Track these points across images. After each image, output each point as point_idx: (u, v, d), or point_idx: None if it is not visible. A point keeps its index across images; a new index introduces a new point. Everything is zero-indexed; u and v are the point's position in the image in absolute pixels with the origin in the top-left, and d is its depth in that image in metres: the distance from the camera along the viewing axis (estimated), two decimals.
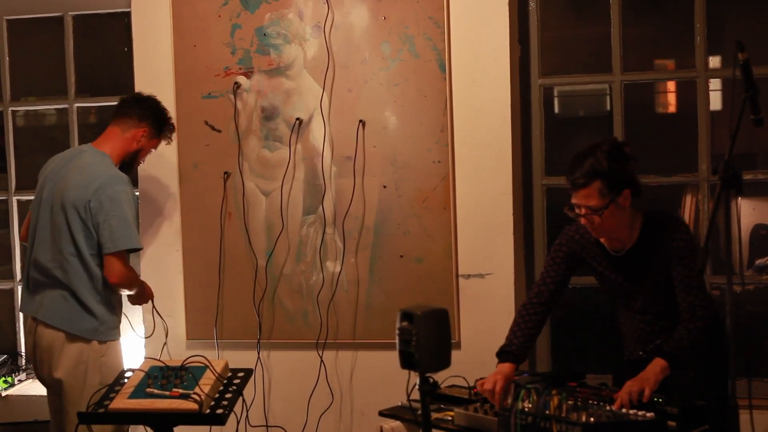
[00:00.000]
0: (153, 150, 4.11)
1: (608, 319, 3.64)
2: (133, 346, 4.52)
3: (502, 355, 3.35)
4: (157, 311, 4.29)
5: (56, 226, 3.84)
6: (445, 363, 2.72)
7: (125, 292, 3.97)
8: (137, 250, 3.92)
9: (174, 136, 4.25)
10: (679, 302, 3.25)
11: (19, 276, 5.25)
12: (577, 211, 3.25)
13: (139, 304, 4.17)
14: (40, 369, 3.91)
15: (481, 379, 3.33)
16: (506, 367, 3.29)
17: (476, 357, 3.84)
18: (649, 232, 3.30)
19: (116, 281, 3.79)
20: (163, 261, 4.60)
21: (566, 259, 3.45)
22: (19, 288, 5.23)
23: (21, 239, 4.27)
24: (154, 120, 4.01)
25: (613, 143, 3.27)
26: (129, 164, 4.01)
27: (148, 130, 3.99)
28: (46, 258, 3.87)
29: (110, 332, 3.89)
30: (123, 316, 4.04)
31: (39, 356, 3.89)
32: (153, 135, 4.02)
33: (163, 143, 4.19)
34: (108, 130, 4.00)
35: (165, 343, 4.47)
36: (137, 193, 4.76)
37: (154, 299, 4.18)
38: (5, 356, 5.16)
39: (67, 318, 3.81)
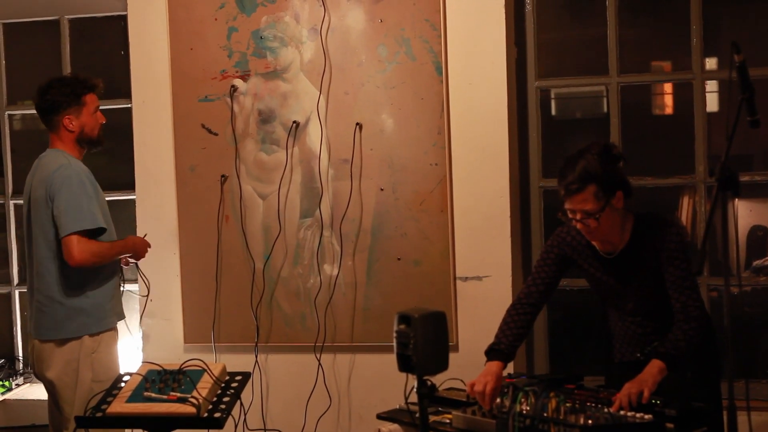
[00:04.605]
0: (97, 112, 3.91)
1: (599, 321, 3.64)
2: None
3: (491, 353, 3.35)
4: (138, 267, 4.15)
5: (32, 235, 3.83)
6: (442, 366, 2.71)
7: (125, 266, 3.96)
8: (98, 231, 3.78)
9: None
10: (672, 303, 3.25)
11: (16, 280, 5.25)
12: (571, 216, 3.25)
13: (137, 260, 4.06)
14: (37, 368, 3.91)
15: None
16: (495, 366, 3.28)
17: (474, 360, 3.82)
18: (640, 233, 3.31)
19: (75, 263, 3.70)
20: (160, 264, 4.58)
21: (557, 261, 3.45)
22: (17, 292, 5.24)
23: None
24: (62, 100, 3.85)
25: (603, 146, 3.27)
26: (94, 142, 3.92)
27: (68, 111, 3.85)
28: (30, 272, 3.89)
29: (101, 322, 3.84)
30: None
31: (36, 356, 3.89)
32: (77, 108, 3.86)
33: (97, 101, 3.95)
34: (50, 136, 3.92)
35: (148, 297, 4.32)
36: (135, 196, 4.77)
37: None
38: (2, 361, 5.16)
39: (52, 327, 3.79)
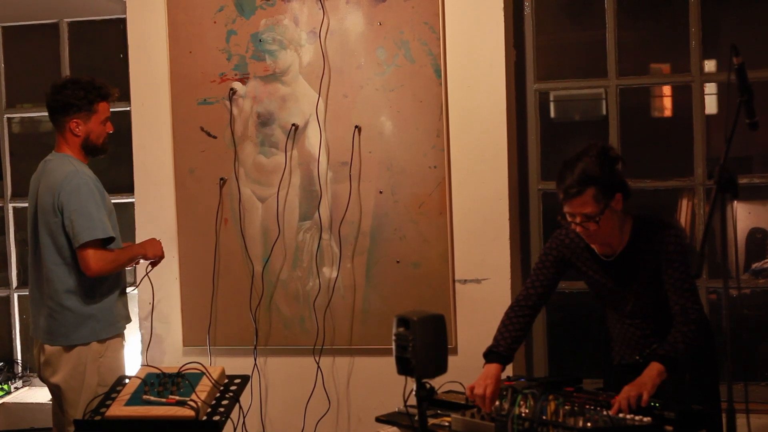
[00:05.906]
0: (106, 120, 3.87)
1: (598, 323, 3.64)
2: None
3: (490, 355, 3.35)
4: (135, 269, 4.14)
5: (39, 241, 3.82)
6: (441, 368, 2.71)
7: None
8: (108, 239, 3.75)
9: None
10: (671, 305, 3.25)
11: (15, 283, 5.25)
12: (570, 219, 3.25)
13: (155, 263, 4.04)
14: (43, 372, 3.91)
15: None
16: (493, 368, 3.28)
17: (473, 362, 3.82)
18: (639, 236, 3.30)
19: (93, 274, 3.72)
20: (159, 267, 4.53)
21: (555, 263, 3.45)
22: (16, 295, 5.24)
23: None
24: (73, 103, 3.81)
25: (600, 148, 3.26)
26: (97, 149, 3.88)
27: (78, 115, 3.81)
28: (36, 277, 3.88)
29: (110, 328, 3.84)
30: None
31: (43, 360, 3.88)
32: (86, 114, 3.82)
33: (111, 107, 3.92)
34: (56, 136, 3.91)
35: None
36: (134, 199, 4.77)
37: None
38: (1, 364, 5.15)
39: (64, 334, 3.79)
